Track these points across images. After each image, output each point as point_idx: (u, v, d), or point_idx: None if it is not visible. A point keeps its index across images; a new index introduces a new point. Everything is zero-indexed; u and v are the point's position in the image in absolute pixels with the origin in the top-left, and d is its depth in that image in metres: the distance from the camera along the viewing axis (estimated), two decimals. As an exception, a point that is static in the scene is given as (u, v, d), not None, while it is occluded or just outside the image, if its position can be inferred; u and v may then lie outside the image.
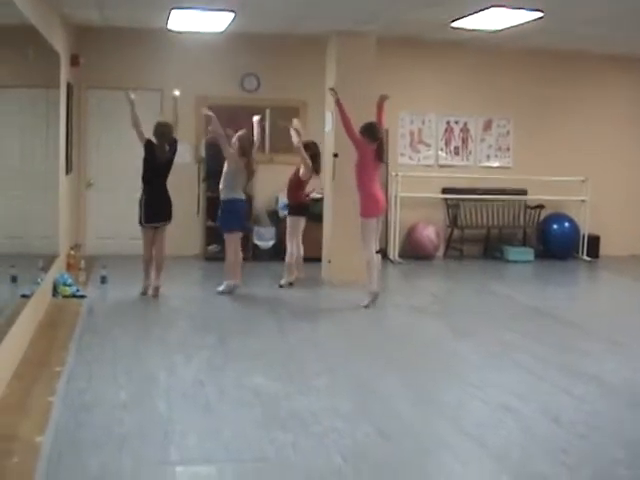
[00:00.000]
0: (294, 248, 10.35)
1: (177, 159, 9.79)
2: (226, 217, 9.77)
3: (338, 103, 9.40)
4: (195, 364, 6.66)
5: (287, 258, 10.37)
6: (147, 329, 7.96)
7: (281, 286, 10.23)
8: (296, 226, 10.40)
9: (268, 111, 12.68)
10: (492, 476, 4.71)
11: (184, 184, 11.99)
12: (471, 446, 5.08)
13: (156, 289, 9.38)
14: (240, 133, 9.86)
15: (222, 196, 9.79)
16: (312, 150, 10.36)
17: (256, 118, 10.27)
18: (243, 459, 4.68)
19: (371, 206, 9.20)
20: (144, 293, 9.46)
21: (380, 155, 9.34)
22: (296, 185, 10.43)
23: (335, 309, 9.31)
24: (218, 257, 11.53)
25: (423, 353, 7.43)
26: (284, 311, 9.00)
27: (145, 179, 9.44)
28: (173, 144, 9.48)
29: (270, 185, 12.20)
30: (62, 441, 4.82)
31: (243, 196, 9.87)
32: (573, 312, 9.68)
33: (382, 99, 9.48)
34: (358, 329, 8.38)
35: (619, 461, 4.94)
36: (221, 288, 9.75)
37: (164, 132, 9.37)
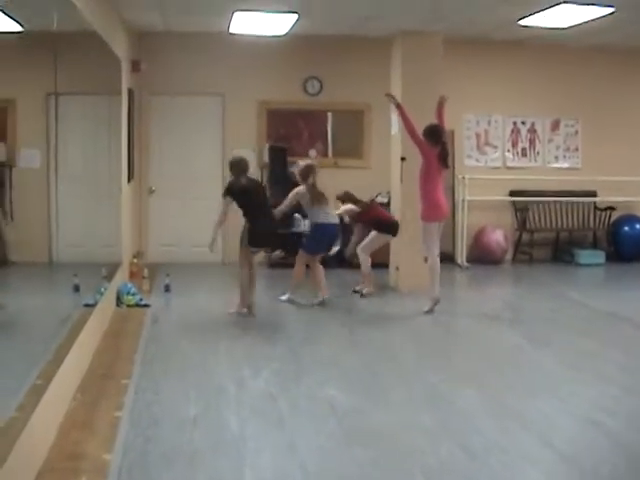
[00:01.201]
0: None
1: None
2: (314, 241, 9.57)
3: (399, 107, 9.24)
4: (265, 376, 6.41)
5: (368, 269, 10.11)
6: (214, 339, 7.70)
7: (362, 295, 10.01)
8: (380, 243, 10.22)
9: (330, 115, 12.51)
10: (586, 497, 4.41)
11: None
12: (561, 464, 4.78)
13: (251, 306, 8.90)
14: (299, 167, 9.63)
15: (312, 220, 9.59)
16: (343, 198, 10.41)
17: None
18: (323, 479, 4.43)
19: (433, 211, 9.05)
20: (241, 313, 8.80)
21: (444, 159, 9.08)
22: (368, 213, 10.25)
23: (405, 317, 9.00)
24: (282, 264, 11.33)
25: (500, 363, 7.10)
26: (353, 319, 8.77)
27: (246, 214, 8.76)
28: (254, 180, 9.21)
29: (334, 190, 11.86)
30: (131, 458, 4.61)
31: (334, 220, 9.60)
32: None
33: (442, 100, 9.25)
34: (431, 338, 8.12)
35: None
36: (284, 297, 9.51)
37: (242, 168, 8.79)
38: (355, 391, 6.08)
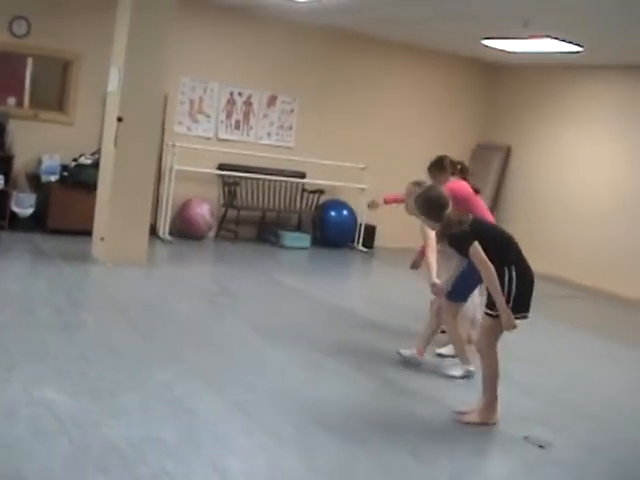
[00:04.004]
0: None
1: None
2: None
3: (390, 201, 7.81)
4: (-36, 368, 5.26)
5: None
6: None
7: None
8: None
9: (31, 61, 11.17)
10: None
11: None
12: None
13: None
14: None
15: None
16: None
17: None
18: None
19: None
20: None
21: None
22: None
23: (117, 297, 8.01)
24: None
25: (236, 361, 6.34)
26: (59, 297, 7.55)
27: (509, 260, 5.44)
28: None
29: (32, 145, 10.63)
30: None
31: None
32: (376, 311, 8.90)
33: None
34: (150, 323, 7.12)
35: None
36: (458, 373, 6.62)
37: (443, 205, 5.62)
38: (79, 393, 5.08)
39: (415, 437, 5.18)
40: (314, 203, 13.07)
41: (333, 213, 13.01)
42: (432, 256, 6.49)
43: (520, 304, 5.36)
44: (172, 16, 9.21)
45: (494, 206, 13.95)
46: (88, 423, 4.60)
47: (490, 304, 5.41)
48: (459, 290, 6.33)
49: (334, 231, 13.01)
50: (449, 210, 5.53)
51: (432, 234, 6.20)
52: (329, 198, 13.16)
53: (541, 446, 5.28)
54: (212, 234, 12.38)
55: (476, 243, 5.28)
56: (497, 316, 5.34)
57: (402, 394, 6.05)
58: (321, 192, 13.01)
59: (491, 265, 5.24)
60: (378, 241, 13.55)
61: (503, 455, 5.18)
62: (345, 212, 13.06)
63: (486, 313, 5.48)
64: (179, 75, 11.63)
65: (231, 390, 5.58)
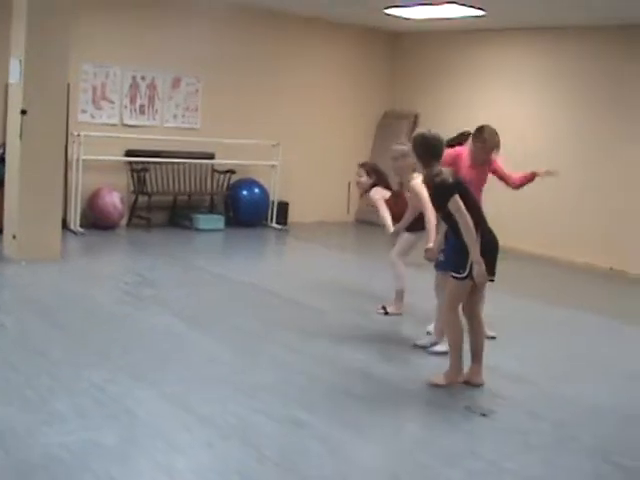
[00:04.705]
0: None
1: None
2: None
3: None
4: None
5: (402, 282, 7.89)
6: None
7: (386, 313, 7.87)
8: (416, 244, 7.63)
9: None
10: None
11: None
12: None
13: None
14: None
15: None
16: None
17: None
18: None
19: None
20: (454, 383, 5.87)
21: None
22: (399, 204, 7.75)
23: (35, 296, 7.71)
24: None
25: (165, 353, 6.21)
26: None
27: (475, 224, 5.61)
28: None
29: None
30: None
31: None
32: (298, 288, 8.82)
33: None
34: (72, 321, 6.89)
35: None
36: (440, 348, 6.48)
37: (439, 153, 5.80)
38: (9, 401, 4.89)
39: (358, 415, 5.15)
40: (225, 183, 12.92)
41: (245, 192, 12.88)
42: (433, 220, 6.60)
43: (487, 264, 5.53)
44: (70, 3, 8.93)
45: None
46: (23, 433, 4.42)
47: (455, 267, 5.61)
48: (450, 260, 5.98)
49: (247, 210, 12.90)
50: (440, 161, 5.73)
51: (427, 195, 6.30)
52: (241, 177, 13.00)
53: (484, 414, 5.31)
54: (124, 222, 12.13)
55: (457, 196, 5.50)
56: (463, 278, 5.53)
57: (339, 372, 6.01)
58: (232, 172, 12.85)
59: (469, 216, 5.46)
60: (291, 217, 13.50)
61: (448, 426, 5.16)
62: (257, 190, 12.95)
63: (452, 277, 5.65)
64: (79, 62, 11.29)
65: (165, 384, 5.45)
